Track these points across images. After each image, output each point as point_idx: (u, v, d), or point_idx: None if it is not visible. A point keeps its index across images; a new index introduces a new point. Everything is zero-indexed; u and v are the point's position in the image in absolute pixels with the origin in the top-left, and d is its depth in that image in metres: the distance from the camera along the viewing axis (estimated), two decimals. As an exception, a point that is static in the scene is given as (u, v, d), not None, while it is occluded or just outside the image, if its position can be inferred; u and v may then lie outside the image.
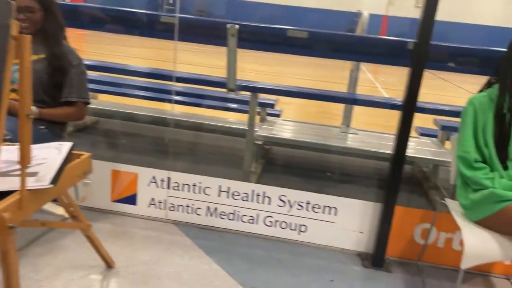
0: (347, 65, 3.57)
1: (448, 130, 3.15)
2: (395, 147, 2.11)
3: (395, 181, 2.13)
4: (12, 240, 1.27)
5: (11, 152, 1.48)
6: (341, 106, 3.69)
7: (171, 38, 2.64)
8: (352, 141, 3.13)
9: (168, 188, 2.42)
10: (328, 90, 3.70)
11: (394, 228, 2.25)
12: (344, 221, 2.34)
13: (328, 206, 2.34)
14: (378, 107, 3.10)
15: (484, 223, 1.79)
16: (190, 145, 3.79)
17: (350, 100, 3.30)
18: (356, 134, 3.31)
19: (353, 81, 3.51)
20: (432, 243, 2.29)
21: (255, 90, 2.89)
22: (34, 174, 1.40)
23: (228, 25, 2.58)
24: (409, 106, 2.04)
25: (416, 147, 2.99)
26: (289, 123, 3.49)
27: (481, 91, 1.95)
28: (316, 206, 2.34)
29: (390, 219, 2.18)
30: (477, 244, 1.70)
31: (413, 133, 3.70)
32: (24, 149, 1.25)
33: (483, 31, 14.84)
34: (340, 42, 2.63)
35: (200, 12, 15.40)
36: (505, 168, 1.83)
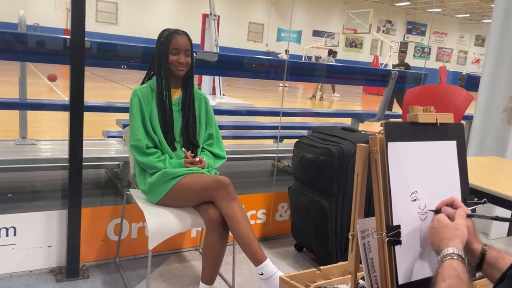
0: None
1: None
2: (69, 150, 2.00)
3: (75, 184, 2.03)
4: None
5: None
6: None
7: None
8: (30, 153, 2.81)
9: None
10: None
11: (86, 231, 2.15)
12: (27, 240, 2.07)
13: (5, 227, 2.02)
14: (49, 110, 2.90)
15: (163, 202, 1.92)
16: None
17: (19, 105, 2.96)
18: (34, 144, 3.00)
19: (23, 86, 3.16)
20: (127, 237, 2.31)
21: None
22: None
23: None
24: (76, 105, 1.97)
25: (99, 149, 2.96)
26: None
27: (143, 83, 2.08)
28: (-12, 232, 1.98)
29: (78, 224, 2.06)
30: (159, 222, 1.81)
31: (101, 136, 3.68)
32: None
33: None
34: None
35: None
36: (174, 149, 2.02)
